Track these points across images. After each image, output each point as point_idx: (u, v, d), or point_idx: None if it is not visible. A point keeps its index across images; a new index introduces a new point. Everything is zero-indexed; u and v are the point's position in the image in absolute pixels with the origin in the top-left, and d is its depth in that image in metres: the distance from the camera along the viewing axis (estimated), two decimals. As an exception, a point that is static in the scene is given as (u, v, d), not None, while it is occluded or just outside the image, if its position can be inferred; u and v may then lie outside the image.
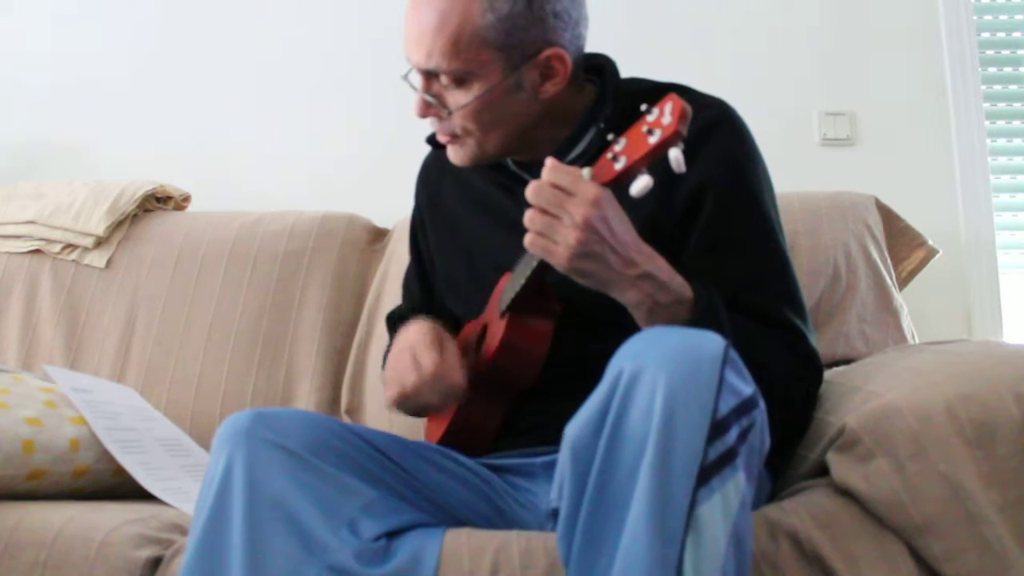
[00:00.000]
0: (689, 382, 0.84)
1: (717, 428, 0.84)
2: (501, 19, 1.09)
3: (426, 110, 1.16)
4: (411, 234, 1.43)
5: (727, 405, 0.85)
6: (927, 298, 1.98)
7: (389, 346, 1.38)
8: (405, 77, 1.16)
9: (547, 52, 1.12)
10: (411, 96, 1.17)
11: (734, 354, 0.88)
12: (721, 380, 0.85)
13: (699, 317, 1.02)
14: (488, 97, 1.12)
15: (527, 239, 0.99)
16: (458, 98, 1.13)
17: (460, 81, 1.12)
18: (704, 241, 1.13)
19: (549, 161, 1.00)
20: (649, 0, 2.22)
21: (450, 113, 1.14)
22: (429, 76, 1.14)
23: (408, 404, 1.18)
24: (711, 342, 0.88)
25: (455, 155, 1.19)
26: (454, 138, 1.17)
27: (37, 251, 1.94)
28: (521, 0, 1.09)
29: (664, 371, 0.84)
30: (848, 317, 1.69)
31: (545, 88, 1.15)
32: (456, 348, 1.17)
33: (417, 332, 1.19)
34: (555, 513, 0.91)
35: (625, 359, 0.88)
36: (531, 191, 0.98)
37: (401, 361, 1.17)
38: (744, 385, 0.89)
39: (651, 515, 0.82)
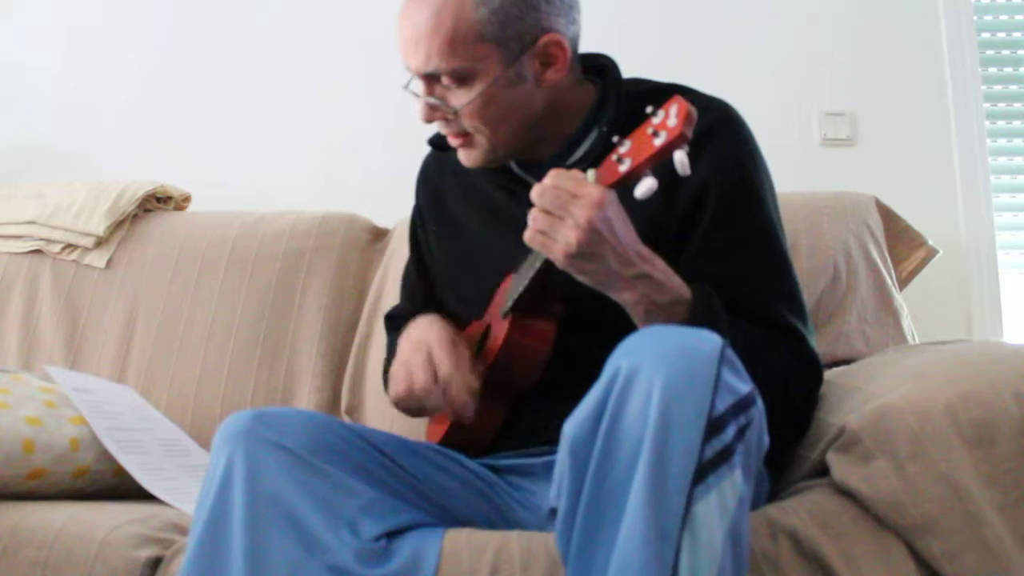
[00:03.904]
0: (685, 380, 0.84)
1: (713, 426, 0.84)
2: (494, 11, 1.09)
3: (431, 114, 1.15)
4: (411, 232, 1.43)
5: (723, 403, 0.85)
6: (927, 298, 1.98)
7: (390, 345, 1.38)
8: (407, 87, 1.15)
9: (544, 39, 1.12)
10: (411, 96, 1.16)
11: (731, 352, 0.88)
12: (717, 378, 0.85)
13: (697, 318, 1.02)
14: (491, 92, 1.12)
15: (527, 234, 0.99)
16: (461, 97, 1.12)
17: (461, 79, 1.11)
18: (706, 243, 1.13)
19: (552, 170, 1.00)
20: (650, 1, 2.22)
21: (455, 113, 1.14)
22: (430, 79, 1.13)
23: (411, 404, 1.17)
24: (708, 341, 0.88)
25: (467, 157, 1.19)
26: (465, 139, 1.17)
27: (37, 251, 1.94)
28: None
29: (660, 369, 0.85)
30: (848, 317, 1.69)
31: (547, 76, 1.14)
32: (469, 355, 1.16)
33: (433, 331, 1.17)
34: (555, 512, 0.91)
35: (622, 357, 0.88)
36: (535, 193, 0.98)
37: (415, 356, 1.16)
38: (741, 384, 0.89)
39: (647, 513, 0.82)
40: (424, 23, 1.10)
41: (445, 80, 1.12)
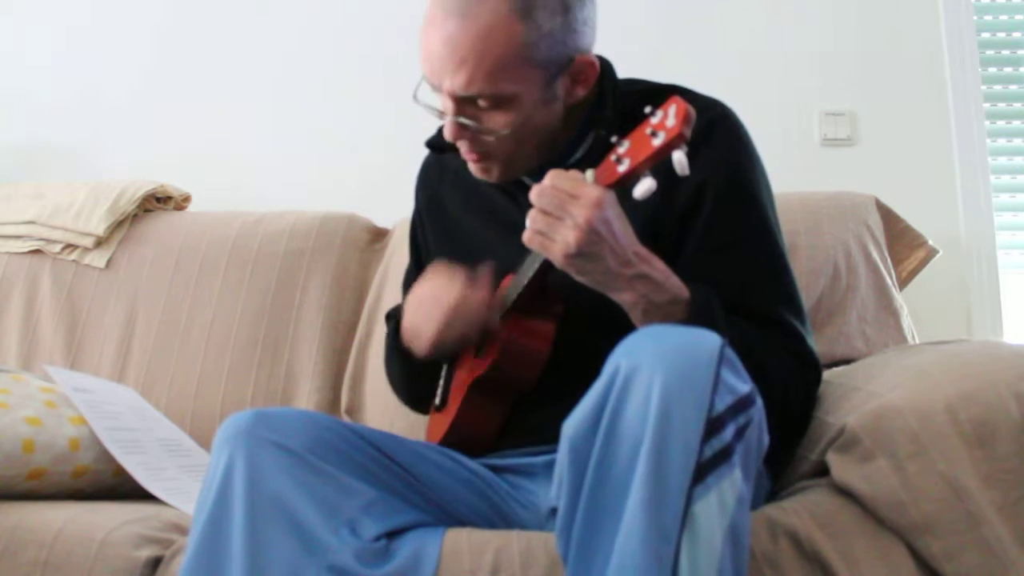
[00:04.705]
0: (685, 379, 0.85)
1: (713, 426, 0.84)
2: (542, 35, 1.07)
3: (460, 133, 1.12)
4: (411, 234, 1.43)
5: (723, 403, 0.86)
6: (927, 298, 1.98)
7: (389, 337, 1.37)
8: (416, 99, 1.12)
9: (580, 59, 1.12)
10: (411, 95, 1.15)
11: (730, 352, 0.88)
12: (717, 378, 0.85)
13: (694, 318, 1.02)
14: (528, 113, 1.10)
15: (526, 235, 0.99)
16: (498, 119, 1.10)
17: (500, 103, 1.09)
18: (702, 242, 1.13)
19: (551, 171, 1.00)
20: (649, 1, 2.22)
21: (486, 134, 1.11)
22: (463, 100, 1.10)
23: (443, 346, 1.16)
24: (707, 340, 0.88)
25: (482, 172, 1.18)
26: (482, 157, 1.15)
27: (37, 251, 1.94)
28: (559, 14, 1.08)
29: (660, 368, 0.85)
30: (848, 317, 1.69)
31: (575, 92, 1.14)
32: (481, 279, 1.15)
33: (431, 278, 1.18)
34: (555, 511, 0.91)
35: (622, 356, 0.88)
36: (534, 194, 0.98)
37: (421, 306, 1.16)
38: (740, 383, 0.89)
39: (647, 512, 0.82)
40: (468, 45, 1.06)
41: (482, 103, 1.09)
